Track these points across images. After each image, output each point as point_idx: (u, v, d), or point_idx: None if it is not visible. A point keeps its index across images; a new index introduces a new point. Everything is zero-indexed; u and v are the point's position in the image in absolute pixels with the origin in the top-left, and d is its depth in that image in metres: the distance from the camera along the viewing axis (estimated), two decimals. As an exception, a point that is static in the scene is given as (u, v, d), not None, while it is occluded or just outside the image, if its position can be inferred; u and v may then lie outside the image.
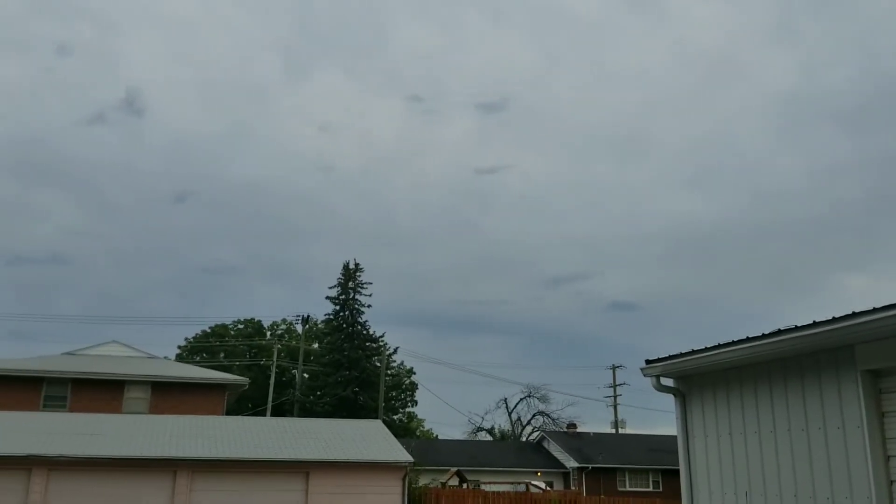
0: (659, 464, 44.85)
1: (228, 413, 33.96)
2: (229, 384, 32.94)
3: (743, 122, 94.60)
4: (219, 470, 23.22)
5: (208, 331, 62.04)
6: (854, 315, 7.08)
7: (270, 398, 50.17)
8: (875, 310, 6.87)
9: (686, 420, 9.97)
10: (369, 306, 54.92)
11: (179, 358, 57.36)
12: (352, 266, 55.47)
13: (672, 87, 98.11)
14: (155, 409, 30.56)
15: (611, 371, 62.75)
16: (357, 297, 54.93)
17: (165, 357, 44.62)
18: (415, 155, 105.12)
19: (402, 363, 61.46)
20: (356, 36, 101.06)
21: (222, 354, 60.82)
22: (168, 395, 31.11)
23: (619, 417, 61.89)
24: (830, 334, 7.39)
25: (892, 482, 7.18)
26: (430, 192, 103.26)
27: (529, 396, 64.50)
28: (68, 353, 34.16)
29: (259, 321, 64.11)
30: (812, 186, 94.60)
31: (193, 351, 60.67)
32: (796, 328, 7.76)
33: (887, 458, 7.24)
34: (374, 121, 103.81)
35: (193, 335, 61.90)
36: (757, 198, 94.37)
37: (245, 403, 54.28)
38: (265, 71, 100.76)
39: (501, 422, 67.48)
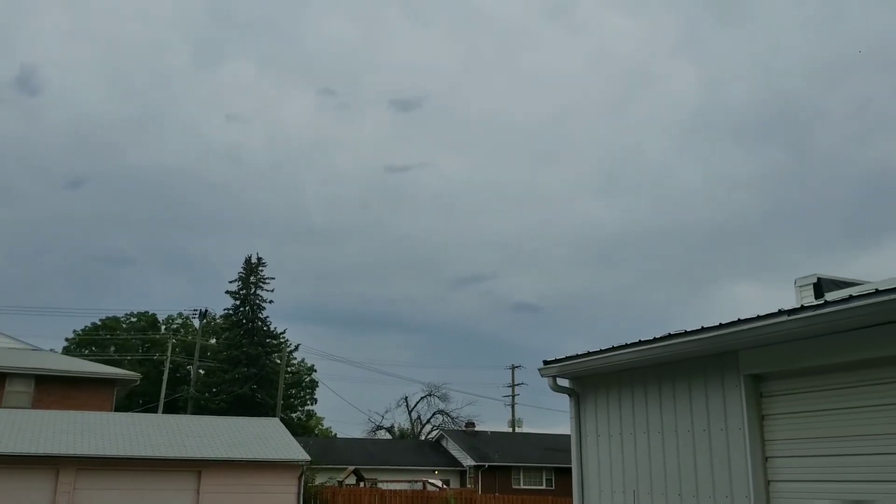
0: (553, 462, 45.78)
1: (118, 409, 32.84)
2: (119, 379, 31.78)
3: (650, 132, 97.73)
4: (105, 468, 22.35)
5: (98, 323, 59.62)
6: (738, 322, 7.37)
7: (163, 394, 48.59)
8: (758, 317, 7.18)
9: (580, 419, 10.19)
10: (271, 302, 54.06)
11: (67, 351, 54.83)
12: (254, 260, 54.43)
13: (586, 95, 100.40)
14: (38, 403, 29.19)
15: (510, 371, 63.83)
16: (258, 292, 53.91)
17: (52, 350, 42.67)
18: (327, 149, 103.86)
19: (302, 360, 60.82)
20: (270, 25, 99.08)
21: (113, 348, 58.56)
22: (52, 389, 29.75)
23: (517, 416, 62.99)
24: (716, 339, 7.68)
25: (769, 482, 7.53)
26: (343, 188, 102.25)
27: (430, 395, 64.84)
28: (-57, 344, 32.19)
29: (154, 315, 62.00)
30: (710, 196, 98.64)
31: (82, 344, 58.17)
32: (686, 333, 8.04)
33: (766, 459, 7.58)
34: (286, 113, 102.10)
35: (83, 328, 59.41)
36: (659, 205, 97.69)
37: (136, 399, 52.49)
38: (174, 56, 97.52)
39: (402, 420, 67.60)
